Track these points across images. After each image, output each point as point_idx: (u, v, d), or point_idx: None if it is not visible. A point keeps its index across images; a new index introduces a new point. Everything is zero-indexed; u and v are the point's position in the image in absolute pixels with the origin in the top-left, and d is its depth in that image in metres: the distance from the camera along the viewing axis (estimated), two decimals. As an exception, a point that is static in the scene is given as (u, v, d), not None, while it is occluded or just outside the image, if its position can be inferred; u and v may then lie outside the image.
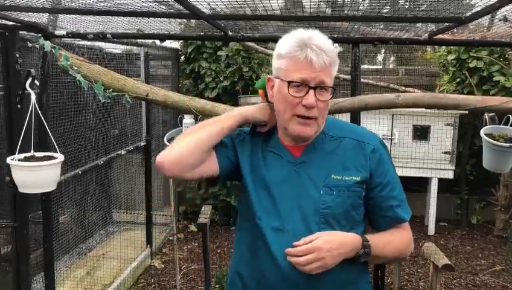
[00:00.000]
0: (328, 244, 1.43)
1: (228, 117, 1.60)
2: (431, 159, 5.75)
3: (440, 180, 5.79)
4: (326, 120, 1.61)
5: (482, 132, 2.85)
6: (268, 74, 5.88)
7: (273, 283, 1.50)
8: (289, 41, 1.47)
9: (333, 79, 1.49)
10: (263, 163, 1.58)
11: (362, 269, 1.60)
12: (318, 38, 1.45)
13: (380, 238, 1.55)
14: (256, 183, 1.56)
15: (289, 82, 1.45)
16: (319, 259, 1.42)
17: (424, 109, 4.88)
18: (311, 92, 1.43)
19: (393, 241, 1.58)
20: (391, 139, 5.79)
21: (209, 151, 1.56)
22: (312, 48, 1.41)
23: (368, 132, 1.65)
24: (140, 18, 2.56)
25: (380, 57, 8.45)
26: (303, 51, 1.42)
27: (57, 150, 2.58)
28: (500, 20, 2.37)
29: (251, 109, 1.62)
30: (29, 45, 2.84)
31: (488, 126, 2.88)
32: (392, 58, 8.18)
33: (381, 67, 7.97)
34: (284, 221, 1.50)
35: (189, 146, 1.51)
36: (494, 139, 2.77)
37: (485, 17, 2.36)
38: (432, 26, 2.65)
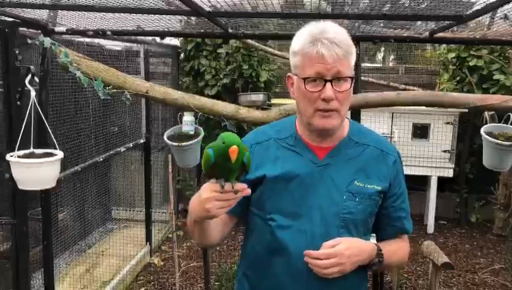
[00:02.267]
0: (349, 251, 1.44)
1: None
2: (430, 157, 5.75)
3: (439, 178, 5.79)
4: (351, 125, 1.60)
5: (482, 131, 2.85)
6: (269, 71, 5.86)
7: (283, 283, 1.49)
8: (301, 38, 1.46)
9: (351, 69, 1.46)
10: (283, 162, 1.54)
11: (364, 275, 1.62)
12: (330, 30, 1.43)
13: (388, 248, 1.57)
14: (273, 180, 1.52)
15: (304, 79, 1.44)
16: (339, 264, 1.42)
17: (423, 108, 4.88)
18: (328, 85, 1.41)
19: (398, 251, 1.64)
20: (391, 138, 5.78)
21: (219, 222, 1.54)
22: (323, 42, 1.40)
23: (388, 142, 1.68)
24: (140, 15, 2.55)
25: (379, 55, 8.45)
26: (314, 46, 1.40)
27: (57, 147, 2.57)
28: (501, 18, 2.36)
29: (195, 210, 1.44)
30: (29, 41, 2.83)
31: (488, 125, 2.87)
32: (392, 57, 8.17)
33: (380, 65, 7.97)
34: (302, 221, 1.48)
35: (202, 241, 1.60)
36: (495, 138, 2.76)
37: (486, 16, 2.35)
38: (432, 25, 2.65)
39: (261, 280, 1.55)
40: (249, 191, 1.35)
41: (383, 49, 8.08)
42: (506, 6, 2.06)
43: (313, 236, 1.47)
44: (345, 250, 1.43)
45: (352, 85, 1.48)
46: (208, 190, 1.34)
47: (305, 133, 1.56)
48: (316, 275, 1.44)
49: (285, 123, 1.65)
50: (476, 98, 2.54)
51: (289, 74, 1.55)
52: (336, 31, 1.43)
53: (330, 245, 1.43)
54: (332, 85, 1.42)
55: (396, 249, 1.63)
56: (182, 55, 5.98)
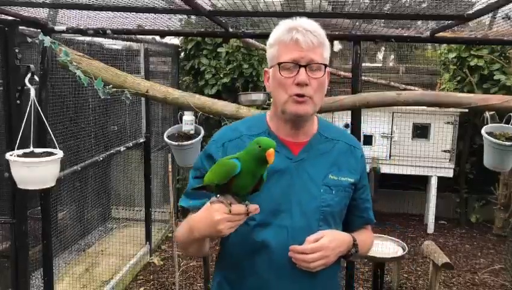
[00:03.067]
0: (333, 243, 1.48)
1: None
2: (431, 157, 5.75)
3: (440, 178, 5.79)
4: (320, 121, 1.63)
5: (483, 131, 2.85)
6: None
7: (267, 280, 1.50)
8: (278, 30, 1.52)
9: (325, 59, 1.51)
10: None
11: (338, 263, 1.64)
12: (305, 22, 1.49)
13: (360, 238, 1.63)
14: None
15: (279, 64, 1.48)
16: (324, 257, 1.46)
17: (424, 107, 4.88)
18: (302, 70, 1.45)
19: (366, 240, 1.71)
20: (391, 138, 5.78)
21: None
22: (298, 30, 1.45)
23: (354, 137, 1.74)
24: (140, 14, 2.54)
25: (380, 55, 8.44)
26: (290, 34, 1.46)
27: (56, 146, 2.57)
28: (502, 18, 2.36)
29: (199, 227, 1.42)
30: (29, 40, 2.83)
31: (489, 125, 2.87)
32: (392, 56, 8.17)
33: (381, 65, 7.96)
34: (282, 217, 1.49)
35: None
36: (496, 138, 2.76)
37: (486, 16, 2.35)
38: (433, 24, 2.65)
39: (243, 280, 1.54)
40: (258, 207, 1.36)
41: (383, 48, 8.07)
42: (507, 6, 2.05)
43: (294, 231, 1.48)
44: (329, 243, 1.47)
45: (326, 73, 1.51)
46: (220, 212, 1.33)
47: (277, 128, 1.57)
48: (298, 268, 1.46)
49: (256, 119, 1.65)
50: (478, 98, 2.53)
51: (265, 68, 1.59)
52: (311, 23, 1.50)
53: (313, 239, 1.46)
54: (306, 71, 1.45)
55: (366, 239, 1.70)
56: (182, 54, 5.98)
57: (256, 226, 1.49)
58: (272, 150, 1.30)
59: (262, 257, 1.49)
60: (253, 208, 1.34)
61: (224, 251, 1.63)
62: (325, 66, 1.50)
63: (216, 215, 1.32)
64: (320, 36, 1.48)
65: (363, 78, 5.34)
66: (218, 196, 1.37)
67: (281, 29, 1.50)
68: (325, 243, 1.46)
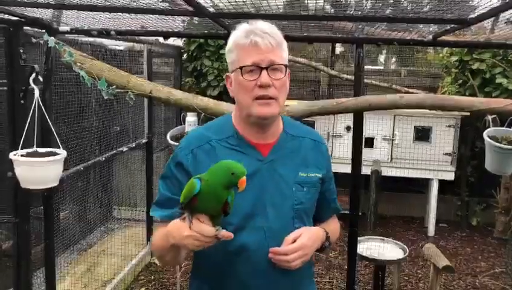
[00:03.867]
0: (311, 241, 1.53)
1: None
2: (432, 160, 5.75)
3: (441, 181, 5.80)
4: (284, 120, 1.65)
5: (485, 134, 2.85)
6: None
7: (245, 281, 1.51)
8: (235, 35, 1.52)
9: (285, 59, 1.52)
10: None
11: (311, 261, 1.67)
12: (261, 24, 1.50)
13: (329, 228, 1.70)
14: None
15: (241, 67, 1.48)
16: (304, 255, 1.50)
17: (425, 110, 4.88)
18: (264, 72, 1.46)
19: (335, 230, 1.78)
20: (392, 140, 5.79)
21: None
22: (256, 33, 1.46)
23: (317, 132, 1.79)
24: (144, 15, 2.55)
25: (381, 58, 8.45)
26: (247, 38, 1.47)
27: (60, 146, 2.58)
28: (505, 22, 2.37)
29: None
30: (33, 40, 2.84)
31: (491, 128, 2.87)
32: (394, 59, 8.18)
33: (382, 68, 7.97)
34: (257, 219, 1.51)
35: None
36: (497, 142, 2.77)
37: (489, 20, 2.36)
38: (435, 28, 2.65)
39: (224, 284, 1.55)
40: (232, 235, 1.37)
41: (384, 51, 8.08)
42: (510, 11, 2.06)
43: (271, 232, 1.51)
44: (307, 241, 1.51)
45: (287, 74, 1.53)
46: (187, 229, 1.35)
47: (245, 131, 1.57)
48: (277, 268, 1.50)
49: (221, 123, 1.64)
50: (480, 101, 2.54)
51: (227, 74, 1.59)
52: (267, 25, 1.51)
53: (292, 239, 1.50)
54: (268, 73, 1.46)
55: (334, 229, 1.76)
56: (185, 55, 5.99)
57: (234, 231, 1.46)
58: (244, 178, 1.33)
59: (241, 260, 1.51)
60: (226, 235, 1.36)
61: (201, 258, 1.61)
62: (286, 66, 1.51)
63: (184, 230, 1.35)
64: (278, 37, 1.49)
65: (365, 80, 5.36)
66: (184, 213, 1.39)
67: (238, 34, 1.50)
68: (304, 242, 1.50)
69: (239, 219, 1.49)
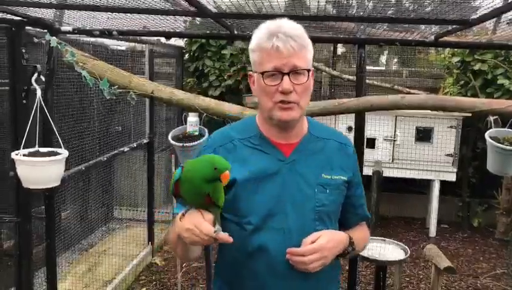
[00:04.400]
0: (330, 244, 1.49)
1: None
2: (433, 161, 5.75)
3: (442, 182, 5.79)
4: (309, 121, 1.64)
5: (487, 135, 2.85)
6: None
7: (265, 282, 1.50)
8: (258, 34, 1.50)
9: (308, 62, 1.49)
10: (251, 162, 1.54)
11: (337, 262, 1.65)
12: (286, 26, 1.47)
13: (356, 236, 1.64)
14: (244, 183, 1.52)
15: (262, 73, 1.47)
16: (322, 258, 1.46)
17: (427, 111, 4.87)
18: (286, 77, 1.45)
19: (363, 238, 1.73)
20: (394, 141, 5.79)
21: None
22: (278, 36, 1.43)
23: (345, 135, 1.74)
24: (146, 15, 2.56)
25: (383, 59, 8.44)
26: (270, 41, 1.44)
27: (61, 145, 2.58)
28: (507, 23, 2.36)
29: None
30: (36, 40, 2.84)
31: (493, 129, 2.87)
32: (395, 60, 8.17)
33: (384, 68, 7.96)
34: (277, 219, 1.50)
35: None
36: (499, 143, 2.76)
37: (490, 20, 2.35)
38: (437, 28, 2.65)
39: (243, 283, 1.55)
40: (231, 240, 1.38)
41: (386, 52, 8.07)
42: (512, 12, 2.06)
43: (290, 233, 1.49)
44: (326, 243, 1.47)
45: (310, 77, 1.51)
46: (191, 222, 1.36)
47: (268, 131, 1.58)
48: (296, 270, 1.47)
49: (246, 123, 1.66)
50: (482, 102, 2.54)
51: (250, 72, 1.59)
52: (291, 26, 1.48)
53: (310, 241, 1.47)
54: (290, 78, 1.45)
55: (362, 236, 1.71)
56: (187, 55, 5.99)
57: (252, 230, 1.49)
58: (227, 172, 1.34)
59: (260, 260, 1.50)
60: (225, 238, 1.36)
61: (222, 256, 1.63)
62: (308, 70, 1.49)
63: (186, 223, 1.37)
64: (302, 39, 1.46)
65: (367, 81, 5.36)
66: (187, 207, 1.42)
67: (261, 34, 1.48)
68: (323, 244, 1.46)
69: (259, 218, 1.50)
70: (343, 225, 1.66)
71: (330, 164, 1.58)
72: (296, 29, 1.47)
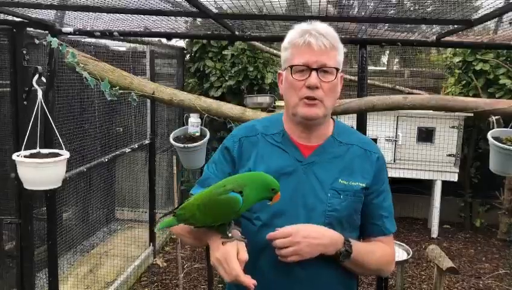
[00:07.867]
0: (304, 232, 1.43)
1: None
2: (435, 161, 5.74)
3: (444, 182, 5.78)
4: (336, 125, 1.63)
5: (489, 135, 2.84)
6: (274, 73, 5.90)
7: (271, 280, 1.50)
8: (291, 33, 1.53)
9: (338, 62, 1.51)
10: (268, 159, 1.56)
11: (353, 278, 1.63)
12: (319, 25, 1.50)
13: (363, 245, 1.57)
14: None
15: (291, 66, 1.49)
16: (294, 243, 1.41)
17: (429, 111, 4.87)
18: (314, 73, 1.46)
19: (376, 252, 1.59)
20: (395, 141, 5.78)
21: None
22: (311, 33, 1.46)
23: (373, 142, 1.68)
24: (147, 16, 2.55)
25: (384, 59, 8.43)
26: (302, 37, 1.47)
27: (63, 147, 2.58)
28: (509, 23, 2.36)
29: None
30: (37, 41, 2.84)
31: (495, 129, 2.85)
32: (397, 60, 8.16)
33: (385, 68, 7.96)
34: (287, 218, 1.49)
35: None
36: (502, 143, 2.75)
37: (492, 20, 2.35)
38: (438, 28, 2.64)
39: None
40: (253, 286, 1.35)
41: (387, 52, 8.07)
42: (514, 11, 2.05)
43: None
44: (300, 227, 1.43)
45: (338, 77, 1.51)
46: (223, 256, 1.35)
47: (292, 130, 1.59)
48: (300, 269, 1.46)
49: (273, 120, 1.67)
50: (484, 102, 2.53)
51: (279, 71, 1.61)
52: (325, 27, 1.50)
53: (291, 228, 1.44)
54: (318, 74, 1.46)
55: (374, 250, 1.58)
56: (188, 56, 5.99)
57: (261, 226, 1.51)
58: (279, 194, 1.39)
59: (266, 257, 1.50)
60: (246, 280, 1.33)
61: None
62: (337, 69, 1.50)
63: (217, 251, 1.37)
64: (333, 39, 1.49)
65: (368, 81, 5.35)
66: (230, 235, 1.41)
67: (294, 33, 1.51)
68: (295, 227, 1.43)
69: (268, 215, 1.50)
70: (362, 235, 1.62)
71: (350, 169, 1.55)
72: (329, 29, 1.50)
